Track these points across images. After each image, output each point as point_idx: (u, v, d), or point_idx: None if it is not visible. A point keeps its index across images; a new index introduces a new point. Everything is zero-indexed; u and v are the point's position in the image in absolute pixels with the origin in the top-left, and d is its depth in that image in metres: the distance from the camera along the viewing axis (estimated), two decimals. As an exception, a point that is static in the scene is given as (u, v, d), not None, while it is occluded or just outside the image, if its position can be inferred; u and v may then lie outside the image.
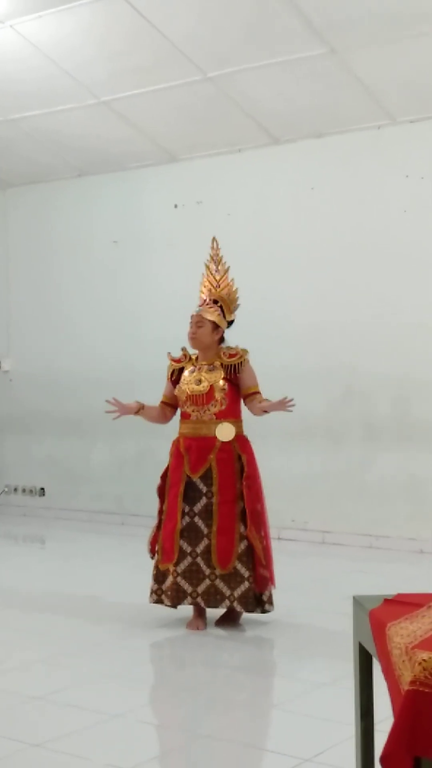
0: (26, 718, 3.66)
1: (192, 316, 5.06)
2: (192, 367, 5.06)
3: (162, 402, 5.22)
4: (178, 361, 5.14)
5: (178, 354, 5.17)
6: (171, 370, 5.15)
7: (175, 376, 5.12)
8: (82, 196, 9.04)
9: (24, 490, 9.38)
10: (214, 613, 5.03)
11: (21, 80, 7.53)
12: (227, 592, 4.83)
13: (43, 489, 9.26)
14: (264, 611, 4.94)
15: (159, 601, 4.98)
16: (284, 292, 7.77)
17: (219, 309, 5.04)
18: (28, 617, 5.31)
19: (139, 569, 5.55)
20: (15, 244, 9.49)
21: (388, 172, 7.38)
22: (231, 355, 5.01)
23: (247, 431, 5.11)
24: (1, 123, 8.24)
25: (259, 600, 4.91)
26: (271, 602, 4.95)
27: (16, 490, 9.44)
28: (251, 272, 7.62)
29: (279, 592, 5.09)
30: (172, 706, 4.00)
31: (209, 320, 5.01)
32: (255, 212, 7.98)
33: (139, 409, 5.13)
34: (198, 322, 5.03)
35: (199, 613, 4.95)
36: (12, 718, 3.66)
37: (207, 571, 4.84)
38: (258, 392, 5.03)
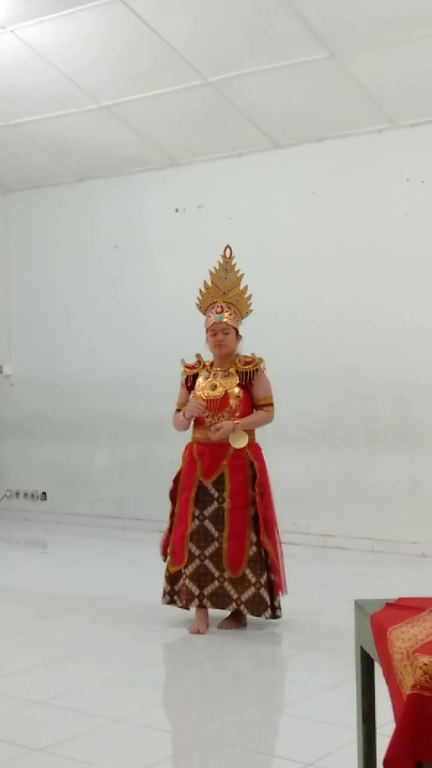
0: (28, 723, 3.66)
1: (215, 324, 5.00)
2: (206, 373, 5.06)
3: (177, 410, 5.17)
4: (192, 367, 5.14)
5: (191, 360, 5.17)
6: (185, 377, 5.14)
7: (190, 383, 5.11)
8: (83, 200, 9.05)
9: (25, 495, 9.39)
10: (217, 616, 5.03)
11: (22, 85, 7.55)
12: (234, 596, 4.87)
13: (44, 493, 9.27)
14: (275, 616, 4.96)
15: (172, 602, 5.03)
16: (285, 296, 7.77)
17: (235, 315, 5.06)
18: (29, 621, 5.30)
19: (140, 573, 5.56)
20: (16, 249, 9.50)
21: (388, 176, 7.39)
22: (246, 362, 5.02)
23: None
24: (3, 128, 8.26)
25: (269, 605, 4.92)
26: (280, 608, 4.98)
27: (17, 494, 9.45)
28: (252, 276, 7.56)
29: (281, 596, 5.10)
30: (174, 711, 4.00)
31: (234, 327, 5.03)
32: (256, 216, 7.99)
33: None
34: (224, 329, 5.00)
35: (202, 617, 4.95)
36: (14, 722, 3.66)
37: (216, 573, 4.88)
38: (271, 404, 5.03)
